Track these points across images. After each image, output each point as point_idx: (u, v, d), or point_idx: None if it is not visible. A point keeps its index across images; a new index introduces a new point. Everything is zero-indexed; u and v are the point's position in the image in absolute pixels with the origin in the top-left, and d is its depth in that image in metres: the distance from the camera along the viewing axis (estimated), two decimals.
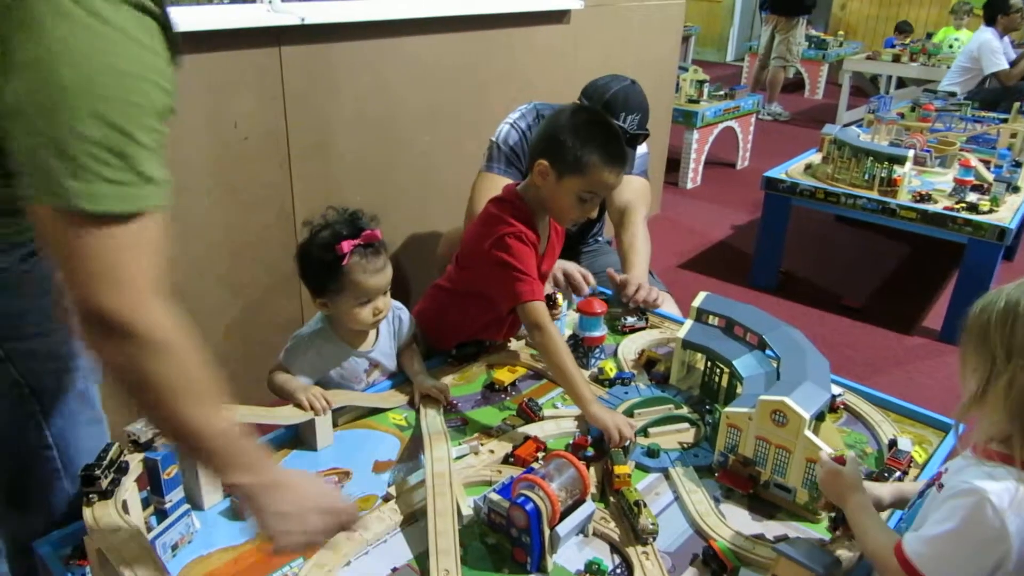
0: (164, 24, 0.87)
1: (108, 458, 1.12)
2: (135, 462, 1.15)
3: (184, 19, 1.95)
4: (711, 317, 1.68)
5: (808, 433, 1.26)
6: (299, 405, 1.41)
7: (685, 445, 1.47)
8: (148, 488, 1.19)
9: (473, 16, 2.77)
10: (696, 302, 1.70)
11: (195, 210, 2.15)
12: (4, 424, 1.11)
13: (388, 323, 1.64)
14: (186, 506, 1.20)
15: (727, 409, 1.36)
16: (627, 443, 1.40)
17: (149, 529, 1.14)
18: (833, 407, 1.59)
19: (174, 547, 1.16)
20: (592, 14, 3.31)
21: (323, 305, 1.53)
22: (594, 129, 1.55)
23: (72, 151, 0.80)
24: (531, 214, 1.61)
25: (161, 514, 1.18)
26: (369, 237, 1.48)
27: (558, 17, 3.18)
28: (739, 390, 1.51)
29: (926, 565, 0.95)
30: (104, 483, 1.10)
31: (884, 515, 1.21)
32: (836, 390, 1.59)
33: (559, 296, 1.84)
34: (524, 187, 1.64)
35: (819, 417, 1.35)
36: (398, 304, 1.67)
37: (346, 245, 1.46)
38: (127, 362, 0.87)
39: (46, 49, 0.78)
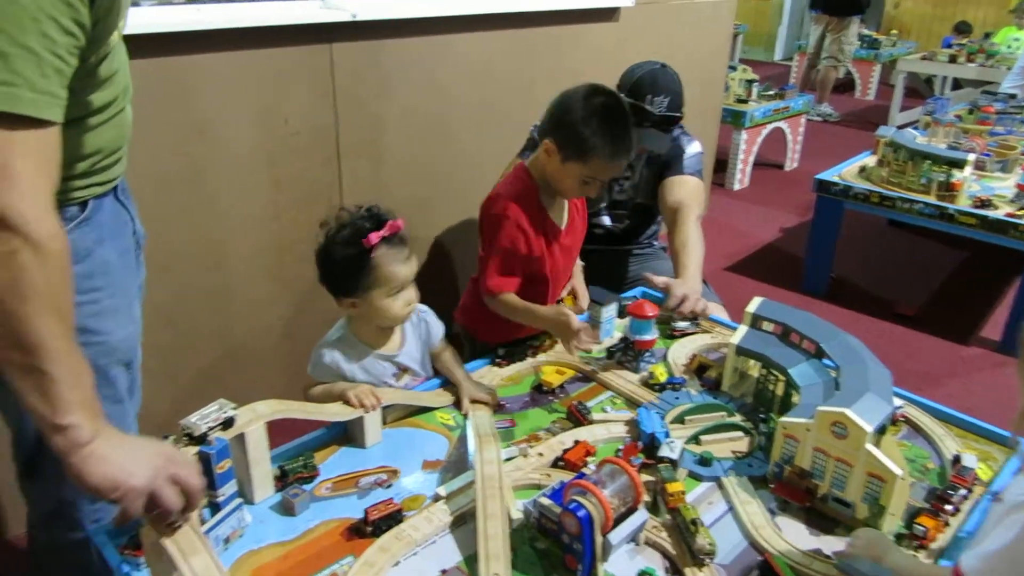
0: None
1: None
2: (189, 455, 1.15)
3: (237, 15, 1.98)
4: (766, 323, 1.64)
5: (870, 447, 1.21)
6: (347, 402, 1.41)
7: (738, 454, 1.43)
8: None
9: (524, 13, 2.76)
10: (751, 307, 1.66)
11: (245, 206, 2.17)
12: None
13: (413, 326, 1.61)
14: (238, 500, 1.20)
15: (784, 419, 1.32)
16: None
17: (202, 522, 1.15)
18: (893, 420, 1.54)
19: (226, 540, 1.17)
20: (642, 12, 3.27)
21: (352, 305, 1.50)
22: (601, 118, 1.61)
23: None
24: (538, 191, 1.72)
25: (214, 507, 1.18)
26: (393, 227, 1.47)
27: (608, 15, 3.15)
28: (795, 399, 1.47)
29: None
30: None
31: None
32: (896, 402, 1.54)
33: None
34: (532, 162, 1.75)
35: (880, 430, 1.31)
36: (423, 307, 1.62)
37: (373, 237, 1.44)
38: (5, 259, 0.85)
39: None
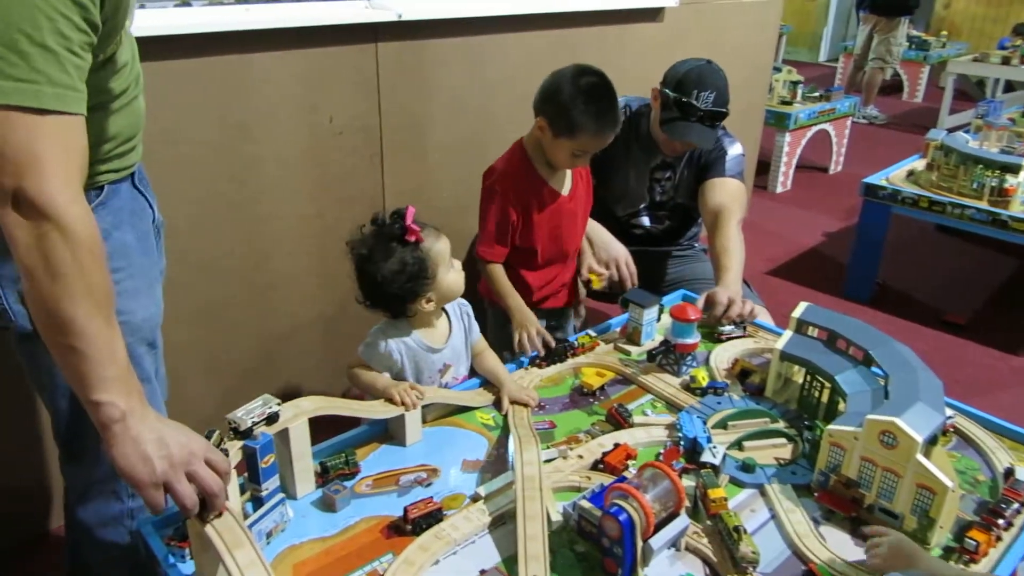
0: None
1: (211, 442, 1.14)
2: (234, 449, 1.17)
3: (285, 15, 2.00)
4: (812, 328, 1.61)
5: (920, 458, 1.19)
6: (390, 400, 1.42)
7: (782, 461, 1.41)
8: (245, 475, 1.21)
9: (568, 14, 2.75)
10: (796, 312, 1.63)
11: (289, 204, 2.19)
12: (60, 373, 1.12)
13: (458, 319, 1.64)
14: (281, 495, 1.21)
15: (831, 427, 1.29)
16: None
17: (245, 516, 1.17)
18: (943, 430, 1.49)
19: (268, 535, 1.18)
20: (687, 12, 3.24)
21: (428, 300, 1.53)
22: (587, 97, 1.73)
23: None
24: (531, 164, 1.88)
25: (257, 501, 1.20)
26: (412, 214, 1.49)
27: (653, 15, 3.12)
28: (842, 407, 1.44)
29: None
30: None
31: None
32: (947, 412, 1.50)
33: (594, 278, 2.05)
34: (528, 137, 1.90)
35: (931, 441, 1.27)
36: (464, 303, 1.67)
37: (414, 227, 1.48)
38: (34, 242, 0.90)
39: None
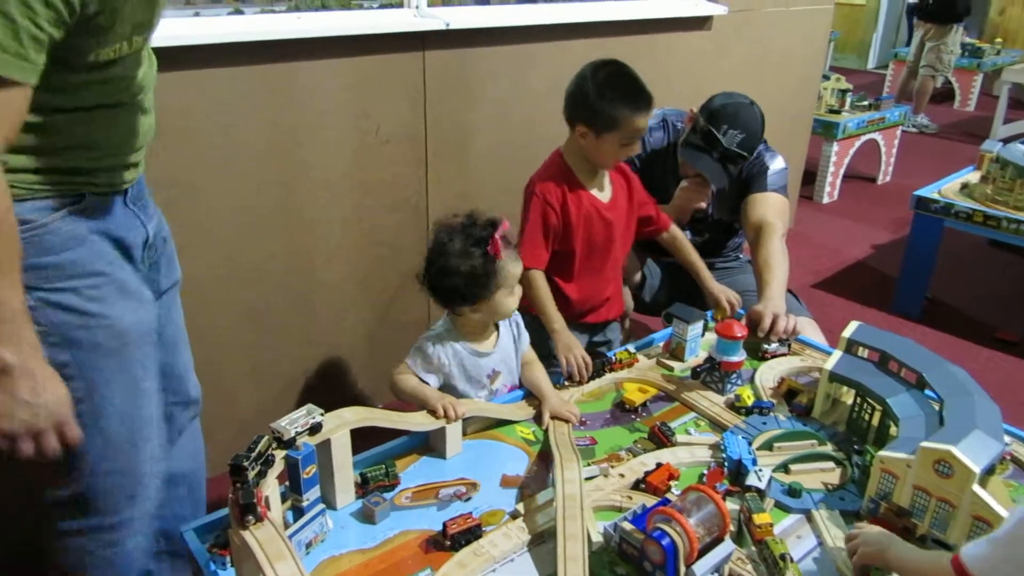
0: None
1: (257, 450, 1.14)
2: (278, 458, 1.17)
3: (336, 24, 2.01)
4: (862, 349, 1.57)
5: (977, 489, 1.14)
6: (432, 412, 1.41)
7: (830, 486, 1.37)
8: (287, 484, 1.22)
9: (614, 22, 2.73)
10: (847, 332, 1.59)
11: (334, 210, 2.21)
12: None
13: (507, 327, 1.63)
14: (321, 505, 1.22)
15: (882, 453, 1.26)
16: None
17: (286, 525, 1.17)
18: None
19: (308, 545, 1.18)
20: (736, 20, 3.19)
21: (473, 310, 1.53)
22: (614, 83, 1.76)
23: None
24: (571, 171, 1.87)
25: (298, 511, 1.20)
26: (504, 230, 1.50)
27: (700, 23, 3.09)
28: (893, 431, 1.40)
29: (975, 564, 0.97)
30: (251, 474, 1.13)
31: None
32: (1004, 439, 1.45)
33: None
34: (566, 146, 1.90)
35: (988, 471, 1.23)
36: (518, 315, 1.67)
37: (500, 242, 1.49)
38: None
39: None
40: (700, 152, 2.06)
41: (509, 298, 1.55)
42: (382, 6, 2.28)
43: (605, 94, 1.75)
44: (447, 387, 1.54)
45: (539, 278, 1.87)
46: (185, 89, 1.82)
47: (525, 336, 1.67)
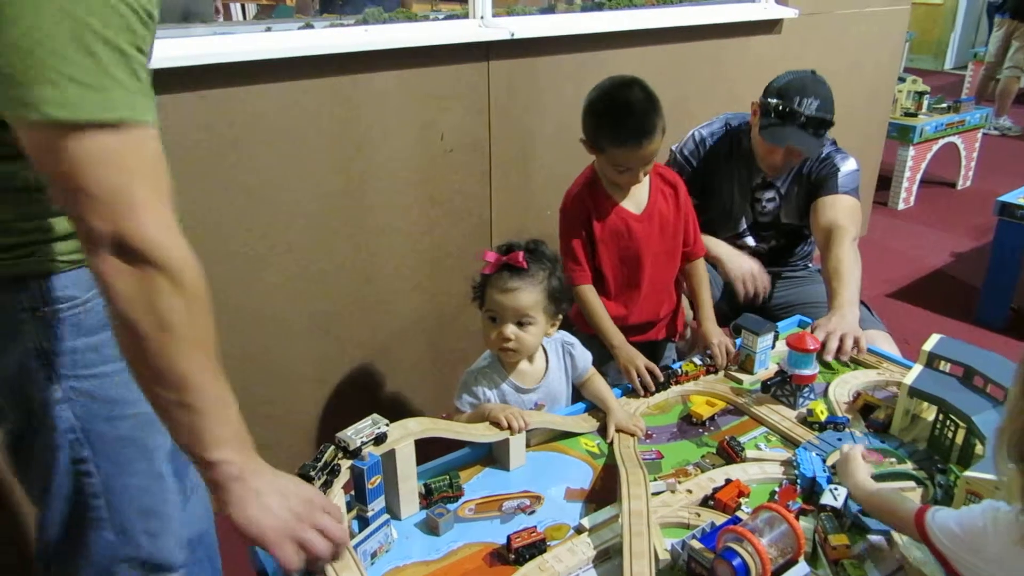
0: None
1: (323, 460, 1.16)
2: (343, 468, 1.18)
3: (403, 36, 2.04)
4: (944, 363, 1.50)
5: None
6: (496, 423, 1.41)
7: (885, 523, 1.31)
8: (352, 493, 1.23)
9: (680, 28, 2.69)
10: (928, 345, 1.52)
11: (399, 220, 2.23)
12: (57, 469, 1.02)
13: (558, 357, 1.58)
14: (386, 516, 1.22)
15: (968, 473, 1.19)
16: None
17: (351, 535, 1.18)
18: None
19: (373, 555, 1.19)
20: (806, 23, 3.11)
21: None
22: (601, 110, 1.70)
23: (35, 53, 0.72)
24: (599, 183, 1.82)
25: (363, 521, 1.21)
26: (512, 258, 1.46)
27: (769, 27, 3.02)
28: (979, 450, 1.33)
29: (937, 534, 1.06)
30: (317, 483, 1.14)
31: None
32: None
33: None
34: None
35: None
36: (567, 337, 1.61)
37: (490, 255, 1.48)
38: (139, 293, 0.80)
39: None
40: (783, 127, 1.97)
41: (487, 323, 1.50)
42: (448, 17, 2.29)
43: (594, 114, 1.72)
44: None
45: (587, 293, 1.82)
46: (258, 102, 1.86)
47: (582, 361, 1.61)
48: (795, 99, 1.94)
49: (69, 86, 0.74)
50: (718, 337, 1.79)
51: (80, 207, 0.78)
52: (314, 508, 0.98)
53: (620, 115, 1.68)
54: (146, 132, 0.80)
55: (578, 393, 1.66)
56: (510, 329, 1.47)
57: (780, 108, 1.96)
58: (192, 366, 0.85)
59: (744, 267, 2.11)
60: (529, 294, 1.46)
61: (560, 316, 1.55)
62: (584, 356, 1.61)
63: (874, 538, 1.24)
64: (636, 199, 1.84)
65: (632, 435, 1.50)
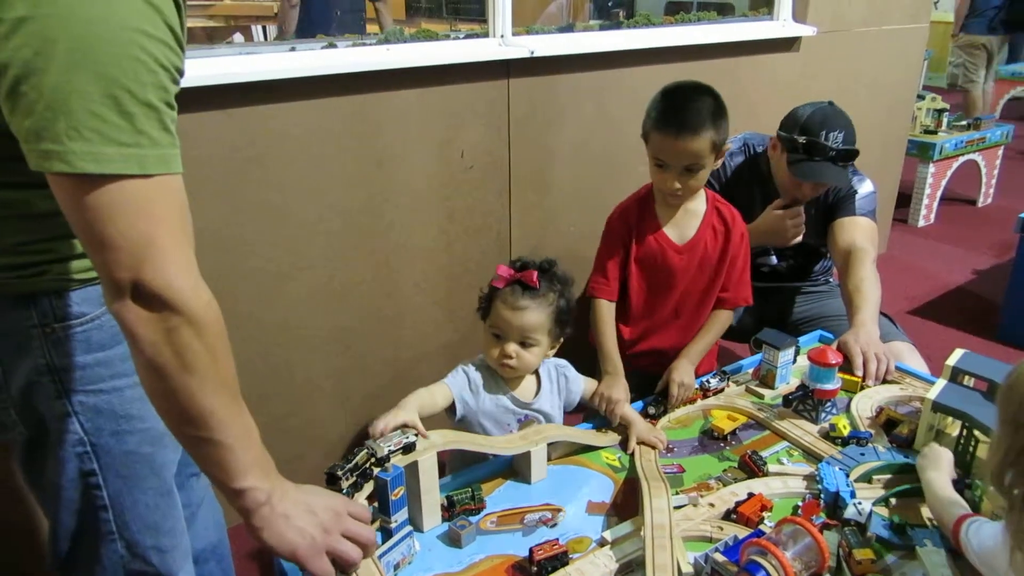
0: None
1: (354, 462, 1.16)
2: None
3: (425, 55, 2.07)
4: (968, 378, 1.49)
5: None
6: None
7: (935, 522, 1.30)
8: (375, 505, 1.23)
9: (699, 46, 2.71)
10: (951, 360, 1.51)
11: (419, 236, 2.25)
12: (66, 481, 1.04)
13: (551, 380, 1.56)
14: (409, 527, 1.23)
15: (994, 488, 1.18)
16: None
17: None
18: None
19: (396, 567, 1.19)
20: (825, 40, 3.12)
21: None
22: (661, 94, 1.71)
23: (70, 110, 0.74)
24: (649, 202, 1.81)
25: (386, 532, 1.21)
26: (527, 276, 1.46)
27: (788, 45, 3.03)
28: None
29: (972, 544, 1.11)
30: (345, 485, 1.15)
31: None
32: None
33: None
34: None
35: None
36: (561, 362, 1.59)
37: (503, 270, 1.47)
38: (162, 337, 0.82)
39: (38, 2, 0.73)
40: (813, 163, 1.96)
41: (489, 339, 1.48)
42: (468, 36, 2.33)
43: (651, 103, 1.72)
44: (468, 424, 1.48)
45: (603, 309, 1.79)
46: (281, 120, 1.89)
47: (576, 384, 1.59)
48: (821, 133, 1.95)
49: (102, 143, 0.76)
50: (682, 376, 1.67)
51: (104, 254, 0.80)
52: (341, 516, 1.00)
53: (673, 102, 1.68)
54: (172, 180, 0.83)
55: (587, 413, 1.64)
56: (512, 347, 1.46)
57: (808, 144, 1.96)
58: (216, 404, 0.87)
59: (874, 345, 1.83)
60: (537, 315, 1.45)
61: (561, 339, 1.53)
62: (577, 381, 1.60)
63: (898, 554, 1.23)
64: (681, 228, 1.79)
65: (653, 448, 1.50)
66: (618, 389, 1.61)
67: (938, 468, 1.31)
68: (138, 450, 1.05)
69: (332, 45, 2.05)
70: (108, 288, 0.82)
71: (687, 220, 1.80)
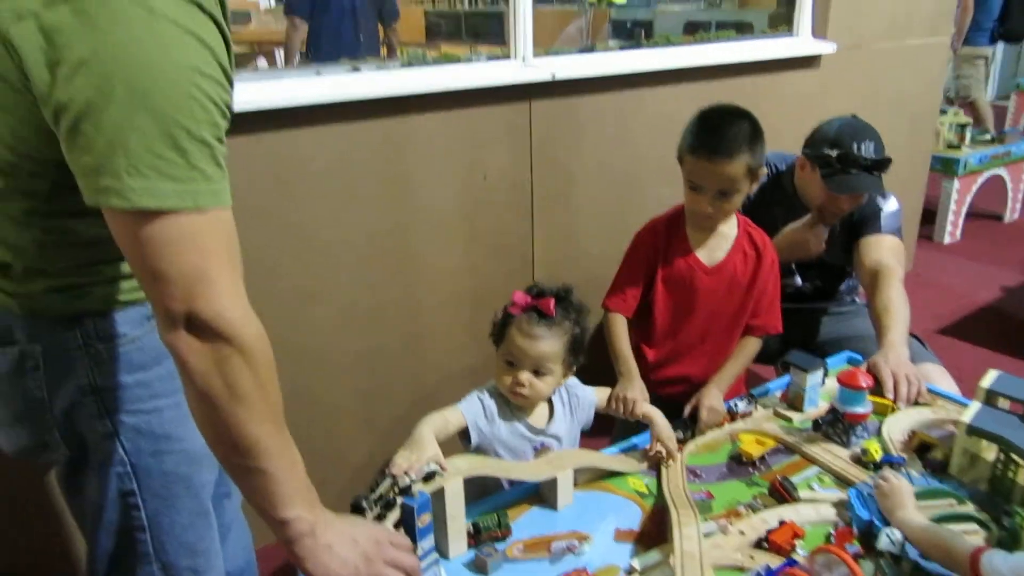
0: (220, 26, 0.84)
1: (379, 492, 1.16)
2: (401, 535, 1.16)
3: (448, 79, 2.08)
4: (1004, 400, 1.46)
5: None
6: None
7: (936, 560, 1.26)
8: (402, 531, 1.22)
9: (719, 66, 2.71)
10: (985, 382, 1.49)
11: (443, 258, 2.26)
12: (106, 502, 1.05)
13: (563, 403, 1.54)
14: (436, 555, 1.22)
15: None
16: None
17: None
18: None
19: None
20: (845, 58, 3.11)
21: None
22: (698, 116, 1.70)
23: (128, 147, 0.77)
24: (680, 222, 1.79)
25: None
26: (544, 304, 1.44)
27: (807, 63, 3.02)
28: None
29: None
30: (370, 516, 1.14)
31: None
32: None
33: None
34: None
35: None
36: (574, 382, 1.56)
37: (519, 297, 1.46)
38: (213, 367, 0.84)
39: (98, 44, 0.75)
40: (850, 176, 1.93)
41: (502, 366, 1.45)
42: (490, 58, 2.34)
43: (688, 125, 1.71)
44: (484, 449, 1.46)
45: (616, 322, 1.78)
46: (307, 145, 1.91)
47: (588, 400, 1.57)
48: (852, 145, 1.93)
49: (159, 179, 0.79)
50: (711, 401, 1.65)
51: (158, 286, 0.82)
52: (383, 545, 1.02)
53: (708, 124, 1.68)
54: (223, 213, 0.85)
55: (613, 437, 1.62)
56: (525, 376, 1.43)
57: (841, 156, 1.94)
58: (263, 433, 0.89)
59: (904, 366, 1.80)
60: (551, 344, 1.43)
61: (575, 367, 1.51)
62: (588, 395, 1.57)
63: None
64: (712, 251, 1.78)
65: (669, 456, 1.50)
66: (634, 389, 1.61)
67: (904, 506, 1.25)
68: (176, 470, 1.07)
69: (356, 69, 2.07)
70: (161, 319, 0.84)
71: (718, 243, 1.78)
